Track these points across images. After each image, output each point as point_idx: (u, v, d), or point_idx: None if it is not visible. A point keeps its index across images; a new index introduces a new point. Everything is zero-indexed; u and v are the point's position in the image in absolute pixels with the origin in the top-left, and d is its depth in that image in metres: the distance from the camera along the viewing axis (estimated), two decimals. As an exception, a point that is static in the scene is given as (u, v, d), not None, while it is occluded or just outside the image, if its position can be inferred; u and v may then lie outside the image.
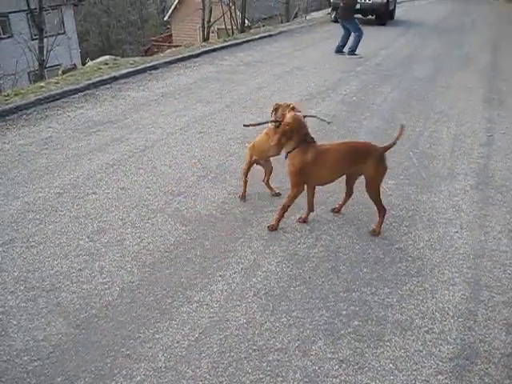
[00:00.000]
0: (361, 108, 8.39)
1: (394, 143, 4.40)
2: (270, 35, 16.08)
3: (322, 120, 4.96)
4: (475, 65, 12.23)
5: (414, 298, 3.82)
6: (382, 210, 4.54)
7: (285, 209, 4.54)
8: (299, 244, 4.44)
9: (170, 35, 40.28)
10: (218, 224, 4.71)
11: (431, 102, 8.87)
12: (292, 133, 4.26)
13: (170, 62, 11.55)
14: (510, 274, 4.13)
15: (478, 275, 4.10)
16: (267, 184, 5.25)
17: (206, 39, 20.80)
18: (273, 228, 4.61)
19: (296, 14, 30.47)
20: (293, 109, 4.47)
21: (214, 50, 13.23)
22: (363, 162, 4.31)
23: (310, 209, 4.76)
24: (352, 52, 12.65)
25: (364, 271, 4.10)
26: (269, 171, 5.17)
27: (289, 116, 4.29)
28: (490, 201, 5.32)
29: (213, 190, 5.37)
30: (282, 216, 4.59)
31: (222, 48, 13.55)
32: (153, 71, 10.72)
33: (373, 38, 15.79)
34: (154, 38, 41.88)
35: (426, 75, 11.10)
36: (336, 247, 4.40)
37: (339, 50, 12.84)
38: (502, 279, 4.06)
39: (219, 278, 3.94)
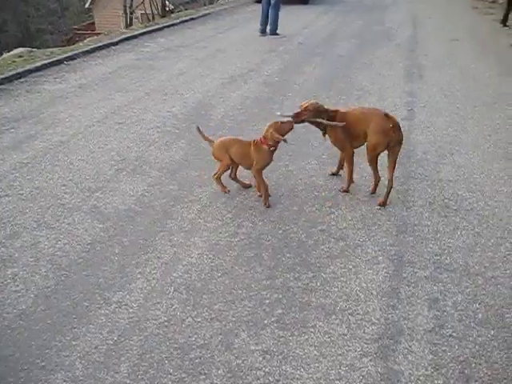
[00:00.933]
0: (283, 88, 8.31)
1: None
2: (192, 19, 15.77)
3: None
4: (396, 40, 12.36)
5: (338, 280, 3.77)
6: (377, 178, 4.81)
7: (351, 173, 4.87)
8: (220, 233, 4.32)
9: (93, 23, 39.07)
10: (137, 219, 4.54)
11: (353, 79, 8.89)
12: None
13: (89, 52, 11.13)
14: (431, 248, 4.15)
15: (401, 251, 4.10)
16: (235, 178, 5.03)
17: (128, 25, 20.23)
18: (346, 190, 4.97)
19: (219, -5, 30.07)
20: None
21: (135, 36, 12.85)
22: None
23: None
24: (274, 32, 12.55)
25: (287, 256, 4.03)
26: (236, 165, 4.95)
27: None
28: (412, 175, 5.34)
29: (132, 183, 5.18)
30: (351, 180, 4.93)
31: (143, 34, 13.18)
32: (70, 62, 10.30)
33: (295, 17, 15.78)
34: (75, 27, 40.51)
35: (348, 52, 11.13)
36: (258, 234, 4.31)
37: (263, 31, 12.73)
38: (423, 254, 4.08)
39: (138, 276, 3.79)
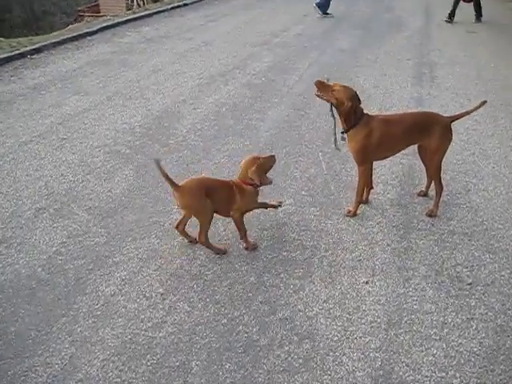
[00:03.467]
0: (269, 92, 7.05)
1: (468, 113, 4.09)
2: (186, 4, 14.44)
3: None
4: (406, 32, 10.98)
5: None
6: (439, 188, 4.16)
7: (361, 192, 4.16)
8: (142, 322, 3.14)
9: (97, 5, 37.70)
10: (38, 293, 3.36)
11: (354, 80, 7.59)
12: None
13: (59, 43, 9.91)
14: (433, 356, 2.91)
15: (390, 363, 2.87)
16: (183, 232, 3.83)
17: (130, 8, 18.87)
18: (353, 214, 4.19)
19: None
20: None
21: (116, 24, 11.58)
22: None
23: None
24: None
25: (226, 368, 2.83)
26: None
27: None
28: (415, 225, 4.11)
29: (49, 231, 4.00)
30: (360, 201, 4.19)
31: (127, 22, 11.93)
32: (35, 55, 9.09)
33: (296, 2, 14.37)
34: (80, 8, 39.14)
35: (350, 46, 9.82)
36: (193, 324, 3.15)
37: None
38: (421, 368, 2.83)
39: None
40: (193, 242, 3.81)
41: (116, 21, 11.98)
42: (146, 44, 9.93)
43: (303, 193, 4.53)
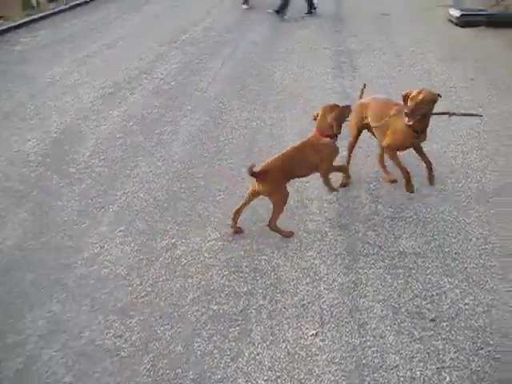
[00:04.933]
0: (180, 98, 6.38)
1: None
2: (87, 2, 13.35)
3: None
4: (319, 18, 10.47)
5: None
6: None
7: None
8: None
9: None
10: None
11: (272, 77, 7.04)
12: None
13: None
14: None
15: None
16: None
17: (31, 7, 17.21)
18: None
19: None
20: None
21: (9, 29, 10.43)
22: None
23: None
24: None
25: None
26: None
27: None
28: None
29: None
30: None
31: (22, 25, 10.77)
32: None
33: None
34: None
35: (264, 37, 9.26)
36: None
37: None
38: None
39: None
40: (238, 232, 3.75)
41: (7, 26, 10.84)
42: (43, 51, 8.98)
43: (229, 222, 3.90)
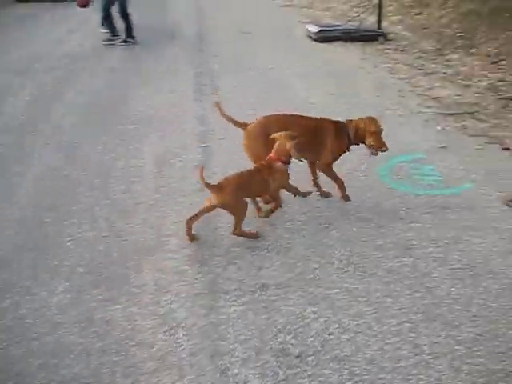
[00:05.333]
0: (30, 135, 5.86)
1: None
2: None
3: None
4: (182, 39, 10.28)
5: None
6: None
7: None
8: None
9: None
10: None
11: (128, 105, 6.71)
12: None
13: None
14: None
15: None
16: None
17: None
18: None
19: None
20: None
21: None
22: None
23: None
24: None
25: None
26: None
27: None
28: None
29: None
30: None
31: None
32: None
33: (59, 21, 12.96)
34: None
35: (121, 62, 8.96)
36: None
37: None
38: None
39: None
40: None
41: None
42: None
43: (80, 270, 3.57)
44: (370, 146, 4.10)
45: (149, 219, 4.13)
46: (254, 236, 3.85)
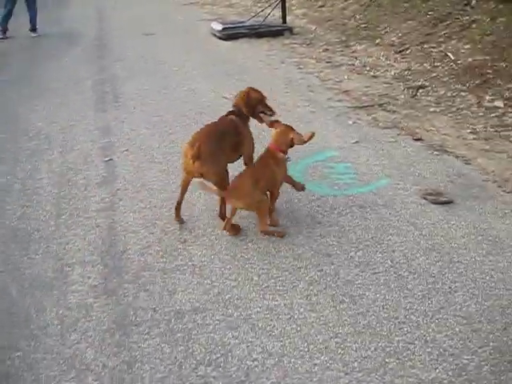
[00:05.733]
0: None
1: None
2: None
3: None
4: (80, 44, 9.76)
5: None
6: None
7: None
8: None
9: None
10: None
11: (21, 119, 6.22)
12: None
13: None
14: None
15: None
16: None
17: None
18: None
19: None
20: None
21: None
22: None
23: None
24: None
25: None
26: None
27: None
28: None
29: None
30: None
31: None
32: None
33: None
34: None
35: (15, 69, 8.34)
36: None
37: None
38: None
39: None
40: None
41: None
42: None
43: None
44: (260, 113, 3.91)
45: (50, 247, 3.75)
46: (280, 235, 3.72)
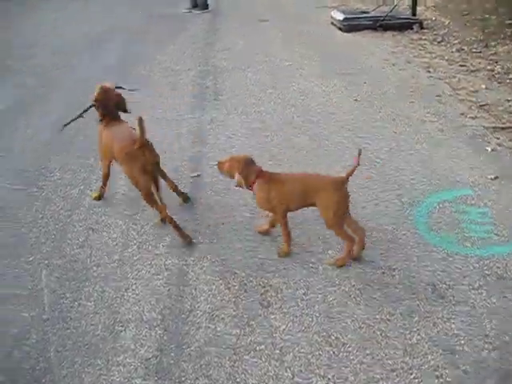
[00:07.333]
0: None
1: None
2: None
3: None
4: (190, 29, 9.18)
5: None
6: None
7: None
8: None
9: None
10: None
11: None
12: None
13: None
14: None
15: None
16: None
17: None
18: None
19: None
20: None
21: None
22: None
23: None
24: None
25: None
26: None
27: None
28: None
29: None
30: None
31: None
32: None
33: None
34: None
35: (122, 57, 7.80)
36: None
37: None
38: None
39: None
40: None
41: None
42: None
43: None
44: None
45: (106, 293, 3.10)
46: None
